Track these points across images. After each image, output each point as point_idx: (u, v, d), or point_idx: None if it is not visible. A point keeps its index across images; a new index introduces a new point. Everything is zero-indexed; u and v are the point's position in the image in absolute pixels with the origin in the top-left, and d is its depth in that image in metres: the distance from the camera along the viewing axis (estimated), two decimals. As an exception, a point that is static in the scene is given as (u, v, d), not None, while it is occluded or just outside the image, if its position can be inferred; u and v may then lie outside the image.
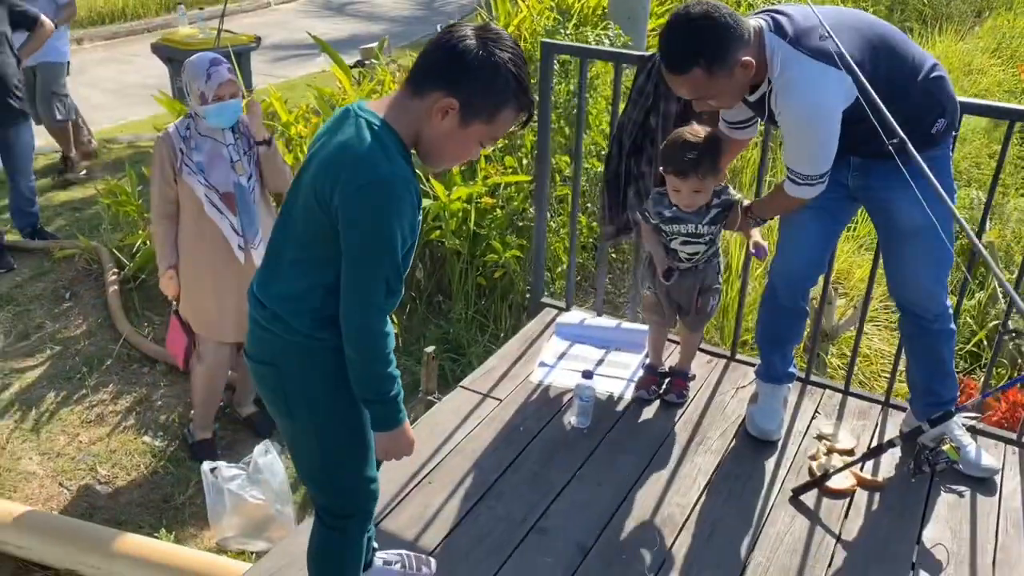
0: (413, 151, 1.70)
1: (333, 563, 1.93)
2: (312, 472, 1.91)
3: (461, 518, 2.41)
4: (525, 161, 4.68)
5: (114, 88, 8.46)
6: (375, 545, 2.14)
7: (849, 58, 2.06)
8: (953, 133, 2.39)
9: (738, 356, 3.22)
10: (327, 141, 1.70)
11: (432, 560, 2.18)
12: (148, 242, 4.58)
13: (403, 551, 2.12)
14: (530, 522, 2.39)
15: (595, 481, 2.56)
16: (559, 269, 4.56)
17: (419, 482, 2.53)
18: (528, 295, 4.14)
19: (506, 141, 4.74)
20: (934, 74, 2.29)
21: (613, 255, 5.21)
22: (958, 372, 5.22)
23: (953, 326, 2.56)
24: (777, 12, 2.28)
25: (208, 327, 3.40)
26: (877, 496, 2.54)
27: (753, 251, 2.64)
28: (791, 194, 2.38)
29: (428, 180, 4.48)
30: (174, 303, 3.41)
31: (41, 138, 6.10)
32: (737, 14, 2.20)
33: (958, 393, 2.62)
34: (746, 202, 2.65)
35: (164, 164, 3.16)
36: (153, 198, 3.26)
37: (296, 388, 1.80)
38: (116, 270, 4.70)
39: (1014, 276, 2.88)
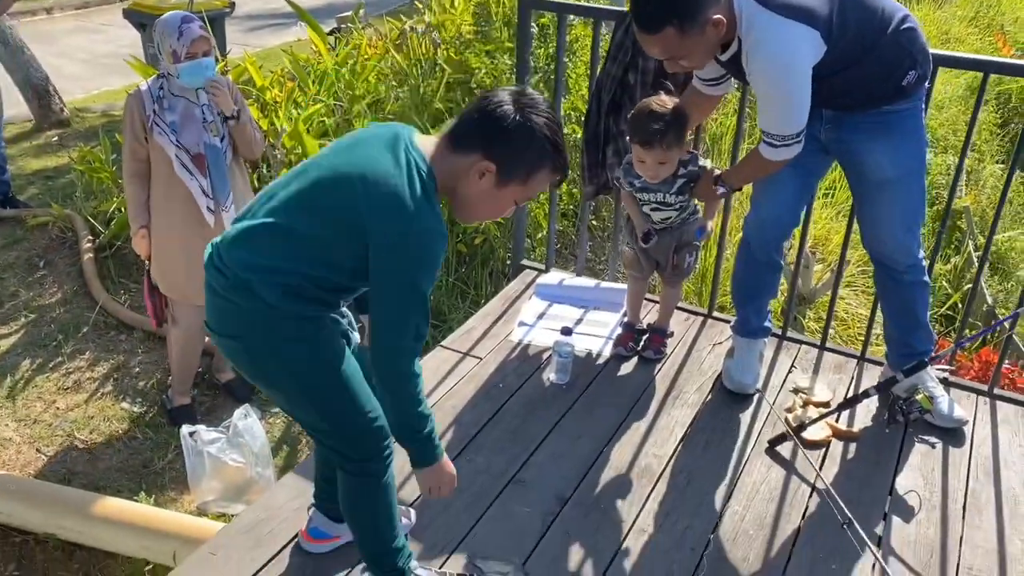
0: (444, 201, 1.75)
1: (365, 508, 1.91)
2: (316, 428, 1.91)
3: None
4: (504, 126, 4.65)
5: (86, 58, 8.33)
6: None
7: (817, 11, 2.07)
8: (926, 85, 2.40)
9: (715, 314, 3.24)
10: (372, 154, 1.68)
11: (411, 511, 2.19)
12: (123, 209, 4.53)
13: (447, 571, 2.08)
14: (509, 474, 2.41)
15: (574, 434, 2.58)
16: (539, 235, 4.56)
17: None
18: (508, 262, 4.14)
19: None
20: (905, 26, 2.28)
21: (594, 222, 5.21)
22: (934, 334, 5.29)
23: (927, 278, 2.58)
24: None
25: (178, 289, 3.37)
26: (852, 446, 2.58)
27: (698, 228, 2.69)
28: (769, 158, 2.36)
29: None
30: (147, 263, 3.38)
31: (12, 107, 6.01)
32: None
33: (933, 345, 2.66)
34: (717, 171, 2.66)
35: (135, 122, 3.10)
36: (124, 156, 3.22)
37: (267, 359, 1.78)
38: (91, 238, 4.65)
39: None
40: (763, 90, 2.28)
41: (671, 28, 2.14)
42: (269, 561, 2.09)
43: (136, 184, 3.21)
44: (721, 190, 2.59)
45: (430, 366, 2.90)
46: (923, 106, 2.43)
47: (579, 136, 4.76)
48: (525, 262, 3.65)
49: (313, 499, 2.13)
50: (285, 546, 2.13)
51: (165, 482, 3.45)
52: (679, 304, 3.18)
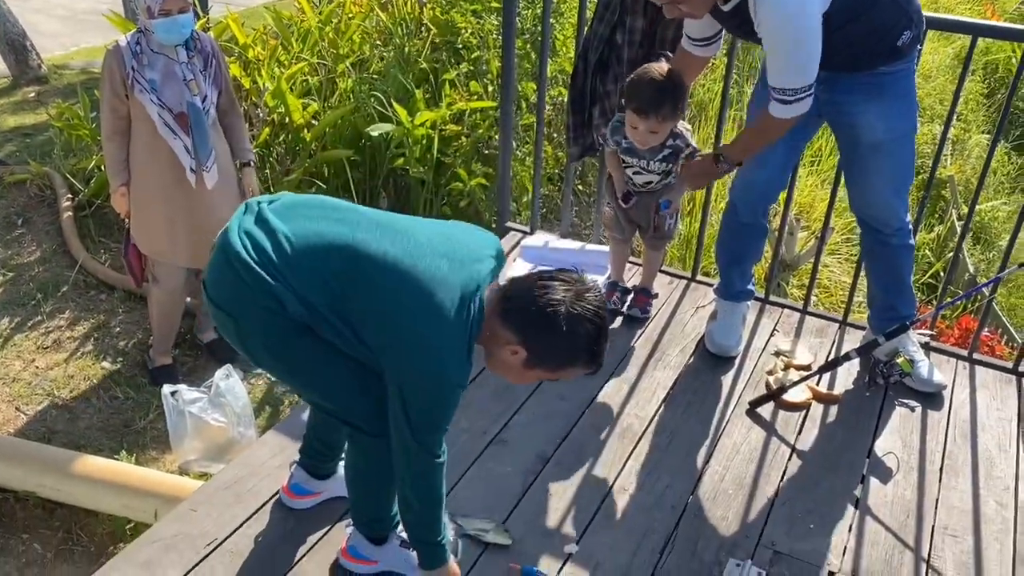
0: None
1: (373, 473, 1.87)
2: (318, 403, 1.90)
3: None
4: (491, 87, 4.61)
5: (65, 15, 8.16)
6: (343, 456, 2.14)
7: None
8: (918, 47, 2.38)
9: (699, 278, 3.24)
10: (448, 264, 1.66)
11: (460, 546, 2.07)
12: (102, 167, 4.46)
13: None
14: (492, 434, 2.41)
15: (557, 395, 2.58)
16: (524, 199, 4.54)
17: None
18: (494, 225, 4.12)
19: (471, 67, 4.67)
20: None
21: (579, 186, 5.19)
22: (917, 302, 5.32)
23: (912, 241, 2.59)
24: None
25: (158, 249, 3.34)
26: (832, 409, 2.60)
27: (663, 200, 2.70)
28: (780, 116, 2.27)
29: (391, 104, 4.40)
30: (126, 221, 3.34)
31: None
32: None
33: (915, 310, 2.67)
34: (699, 155, 2.61)
35: (114, 78, 3.03)
36: (103, 113, 3.15)
37: (258, 345, 1.74)
38: (70, 196, 4.58)
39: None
40: (773, 39, 2.20)
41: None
42: (249, 517, 2.09)
43: (115, 142, 3.15)
44: (724, 167, 2.51)
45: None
46: (915, 67, 2.41)
47: (565, 98, 4.72)
48: (510, 224, 3.63)
49: (299, 454, 2.12)
50: (266, 502, 2.13)
51: (146, 441, 3.44)
52: (663, 268, 3.17)
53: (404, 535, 1.97)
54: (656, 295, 3.03)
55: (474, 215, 4.58)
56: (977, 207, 2.80)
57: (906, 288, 2.63)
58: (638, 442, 2.42)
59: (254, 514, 2.10)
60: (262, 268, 1.63)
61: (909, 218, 2.55)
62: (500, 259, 1.77)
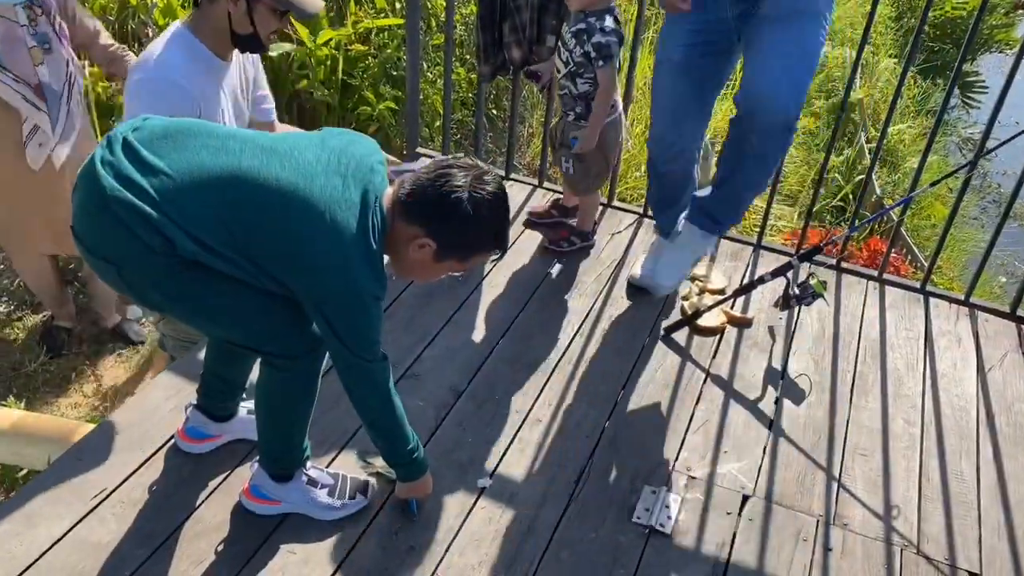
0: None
1: (285, 403, 1.79)
2: (225, 337, 1.79)
3: (330, 366, 2.31)
4: (399, 4, 4.39)
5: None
6: (244, 396, 2.02)
7: None
8: None
9: (615, 203, 3.17)
10: (344, 199, 1.57)
11: (371, 485, 1.97)
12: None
13: (341, 472, 1.96)
14: (404, 366, 2.32)
15: (469, 326, 2.50)
16: (436, 124, 4.38)
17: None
18: (404, 152, 3.96)
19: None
20: None
21: (493, 110, 5.04)
22: (826, 225, 5.42)
23: (786, 146, 2.43)
24: None
25: (6, 239, 3.06)
26: (746, 332, 2.59)
27: (572, 137, 2.61)
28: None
29: (291, 24, 4.14)
30: None
31: None
32: None
33: (731, 223, 2.66)
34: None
35: None
36: None
37: (148, 289, 1.61)
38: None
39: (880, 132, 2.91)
40: None
41: None
42: (142, 465, 1.96)
43: None
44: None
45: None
46: None
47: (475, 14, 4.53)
48: (421, 150, 3.48)
49: (196, 395, 1.99)
50: (160, 448, 2.00)
51: (38, 384, 3.24)
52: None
53: (312, 473, 1.88)
54: (579, 237, 2.88)
55: (385, 141, 4.40)
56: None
57: (744, 200, 2.56)
58: (552, 372, 2.37)
59: (147, 461, 1.97)
60: (144, 204, 1.49)
61: (799, 122, 2.34)
62: (385, 164, 1.71)
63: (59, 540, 1.79)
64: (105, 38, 2.91)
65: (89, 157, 1.55)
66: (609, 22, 2.45)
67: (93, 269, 1.63)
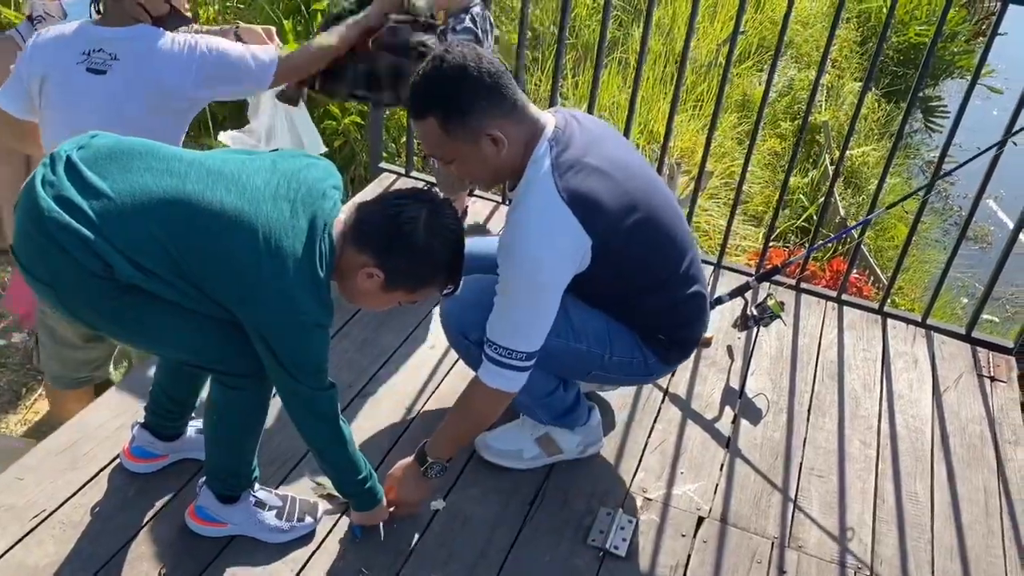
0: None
1: (234, 422, 1.74)
2: (172, 357, 1.76)
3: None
4: (364, 21, 4.37)
5: None
6: (193, 415, 1.97)
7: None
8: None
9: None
10: (290, 225, 1.53)
11: (321, 507, 1.92)
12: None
13: (289, 494, 1.90)
14: (357, 388, 2.29)
15: (425, 344, 2.47)
16: (403, 140, 4.36)
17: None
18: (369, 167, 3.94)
19: (343, -2, 4.41)
20: (692, 289, 1.93)
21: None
22: (790, 245, 5.45)
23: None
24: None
25: None
26: (704, 352, 2.58)
27: None
28: (493, 385, 1.78)
29: (256, 37, 4.11)
30: None
31: None
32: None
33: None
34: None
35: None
36: None
37: (87, 313, 1.56)
38: None
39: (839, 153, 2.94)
40: (505, 279, 1.75)
41: (432, 117, 1.67)
42: (84, 485, 1.90)
43: None
44: (435, 468, 1.87)
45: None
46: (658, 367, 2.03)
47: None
48: (384, 166, 3.46)
49: (144, 413, 1.94)
50: (104, 467, 1.95)
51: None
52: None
53: (260, 494, 1.84)
54: None
55: (351, 156, 4.37)
56: (848, 152, 2.82)
57: None
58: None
59: (90, 481, 1.92)
60: (83, 227, 1.45)
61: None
62: (340, 188, 1.67)
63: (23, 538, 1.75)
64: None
65: (31, 176, 1.51)
66: (466, 21, 2.49)
67: (34, 291, 1.58)
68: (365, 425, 2.18)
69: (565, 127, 1.77)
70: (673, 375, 2.47)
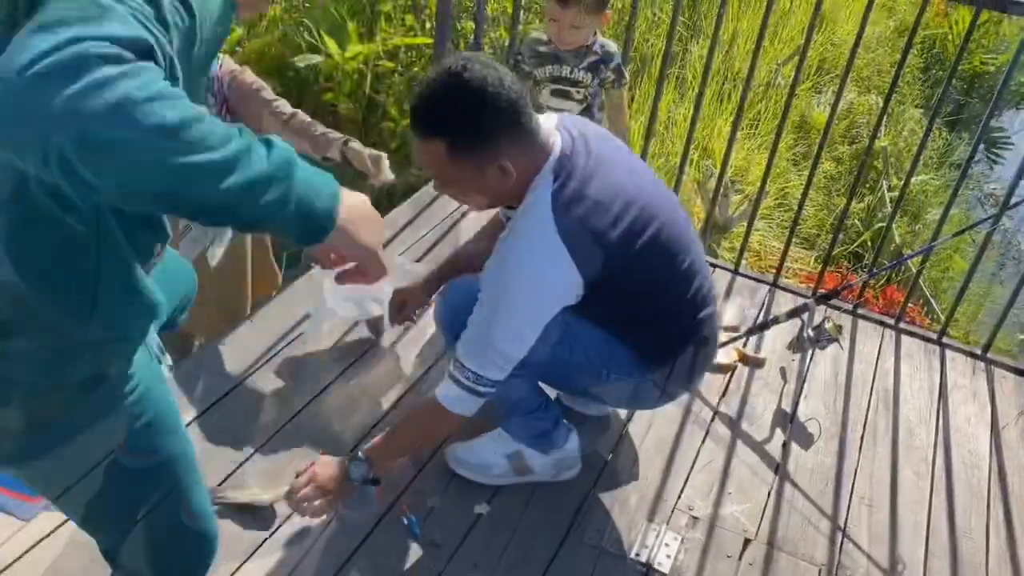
0: None
1: None
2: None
3: (335, 379, 2.29)
4: (429, 24, 4.40)
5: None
6: None
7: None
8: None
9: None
10: None
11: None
12: None
13: None
14: (409, 383, 2.30)
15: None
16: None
17: (291, 341, 2.38)
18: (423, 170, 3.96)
19: (408, 1, 4.45)
20: (701, 315, 1.88)
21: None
22: (842, 270, 5.37)
23: None
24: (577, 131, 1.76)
25: None
26: (757, 372, 2.55)
27: None
28: (450, 407, 1.73)
29: (320, 35, 4.17)
30: None
31: None
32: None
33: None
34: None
35: None
36: None
37: None
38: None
39: (902, 181, 2.90)
40: (485, 298, 1.71)
41: (441, 140, 1.59)
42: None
43: None
44: (359, 472, 1.77)
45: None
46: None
47: (505, 40, 4.55)
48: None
49: None
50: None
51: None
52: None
53: None
54: None
55: (404, 160, 4.40)
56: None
57: None
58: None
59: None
60: None
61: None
62: None
63: (46, 536, 1.76)
64: (268, 93, 2.38)
65: None
66: (610, 43, 2.59)
67: None
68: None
69: (571, 151, 1.69)
70: (724, 394, 2.44)
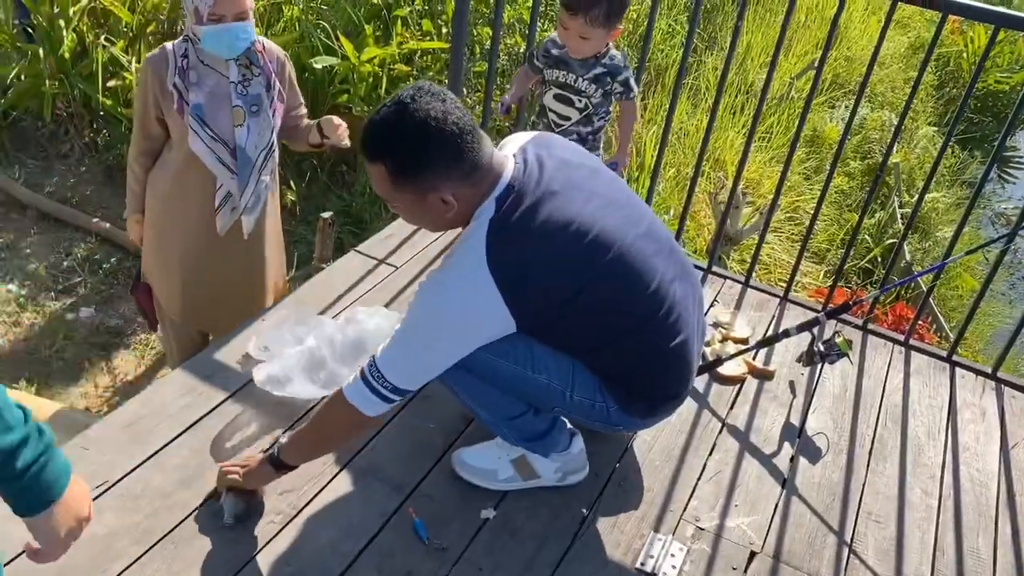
0: None
1: None
2: None
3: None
4: (445, 29, 4.42)
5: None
6: None
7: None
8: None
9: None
10: None
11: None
12: (23, 76, 4.16)
13: None
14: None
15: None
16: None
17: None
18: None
19: (425, 5, 4.47)
20: (675, 342, 1.85)
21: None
22: (852, 285, 5.36)
23: None
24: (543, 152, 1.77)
25: (171, 304, 2.76)
26: (766, 385, 2.54)
27: (610, 163, 2.64)
28: (351, 401, 1.71)
29: (338, 37, 4.19)
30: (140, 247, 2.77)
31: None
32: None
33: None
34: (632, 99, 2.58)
35: (147, 95, 2.44)
36: (134, 130, 2.58)
37: None
38: (-17, 105, 4.27)
39: (914, 198, 2.89)
40: (407, 318, 1.73)
41: (383, 166, 1.65)
42: (147, 459, 1.94)
43: (141, 165, 2.57)
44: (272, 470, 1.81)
45: (343, 270, 2.75)
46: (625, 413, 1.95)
47: (522, 48, 4.56)
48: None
49: None
50: (166, 444, 1.98)
51: (51, 371, 3.25)
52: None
53: None
54: None
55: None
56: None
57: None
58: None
59: (151, 456, 1.95)
60: None
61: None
62: None
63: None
64: (304, 113, 2.74)
65: None
66: (619, 56, 2.60)
67: None
68: (420, 427, 2.18)
69: (522, 179, 1.68)
70: (733, 406, 2.44)
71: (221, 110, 2.43)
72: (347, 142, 2.59)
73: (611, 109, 2.70)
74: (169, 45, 2.42)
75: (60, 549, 1.21)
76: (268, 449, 1.82)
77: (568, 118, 2.64)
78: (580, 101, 2.62)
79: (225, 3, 2.27)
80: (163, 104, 2.43)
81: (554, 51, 2.62)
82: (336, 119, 2.60)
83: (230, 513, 1.81)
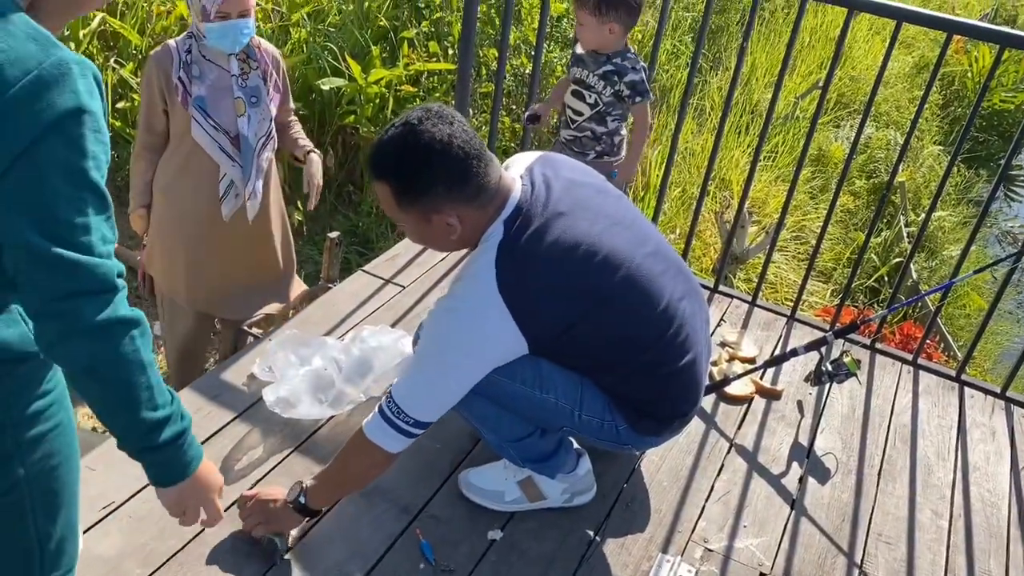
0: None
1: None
2: None
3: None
4: (451, 50, 4.45)
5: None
6: None
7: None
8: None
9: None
10: None
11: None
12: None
13: None
14: (422, 408, 2.29)
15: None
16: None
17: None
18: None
19: (432, 27, 4.50)
20: (683, 361, 1.84)
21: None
22: (858, 304, 5.35)
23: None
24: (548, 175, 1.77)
25: (172, 287, 2.82)
26: (773, 405, 2.54)
27: (612, 171, 2.71)
28: (374, 440, 1.72)
29: (345, 59, 4.22)
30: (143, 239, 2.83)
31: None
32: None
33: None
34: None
35: (153, 89, 2.54)
36: (139, 125, 2.67)
37: None
38: None
39: (920, 217, 2.89)
40: (422, 348, 1.78)
41: (388, 185, 1.67)
42: (153, 480, 1.93)
43: (145, 159, 2.65)
44: (295, 496, 1.82)
45: (349, 290, 2.75)
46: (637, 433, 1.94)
47: (528, 69, 4.59)
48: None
49: None
50: (173, 465, 1.98)
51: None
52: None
53: None
54: None
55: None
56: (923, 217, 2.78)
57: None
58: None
59: (158, 477, 1.94)
60: None
61: None
62: None
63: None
64: (293, 107, 2.90)
65: None
66: (632, 58, 2.65)
67: None
68: (427, 446, 2.17)
69: (529, 201, 1.69)
70: (740, 426, 2.43)
71: (223, 101, 2.57)
72: (312, 200, 2.81)
73: (626, 113, 2.74)
74: (172, 42, 2.55)
75: (179, 517, 1.43)
76: (293, 493, 1.81)
77: (581, 113, 2.74)
78: (590, 96, 2.69)
79: (232, 1, 2.41)
80: (168, 97, 2.55)
81: (578, 50, 2.73)
82: (318, 178, 2.79)
83: (283, 549, 1.82)
